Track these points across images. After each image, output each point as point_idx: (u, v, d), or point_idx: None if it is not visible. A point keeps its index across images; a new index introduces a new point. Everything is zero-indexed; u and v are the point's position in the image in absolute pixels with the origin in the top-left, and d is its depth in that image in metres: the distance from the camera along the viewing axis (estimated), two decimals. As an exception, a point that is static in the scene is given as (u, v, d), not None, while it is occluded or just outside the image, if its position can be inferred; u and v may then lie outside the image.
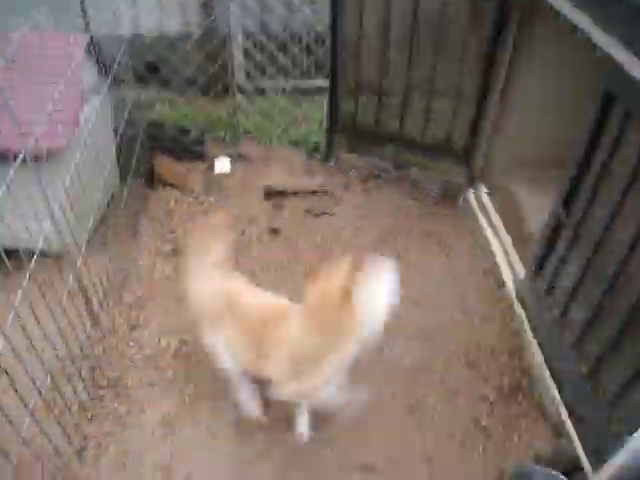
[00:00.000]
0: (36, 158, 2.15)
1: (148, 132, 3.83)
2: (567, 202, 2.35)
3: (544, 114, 3.11)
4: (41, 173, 2.20)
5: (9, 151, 1.88)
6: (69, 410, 2.31)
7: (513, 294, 2.91)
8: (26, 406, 1.94)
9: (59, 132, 2.67)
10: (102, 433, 2.45)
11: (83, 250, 2.66)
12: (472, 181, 3.58)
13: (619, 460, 1.88)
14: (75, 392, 2.42)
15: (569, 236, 2.33)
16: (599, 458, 2.00)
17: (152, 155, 3.86)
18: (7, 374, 1.89)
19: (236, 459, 2.39)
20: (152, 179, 3.88)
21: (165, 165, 3.98)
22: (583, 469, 2.14)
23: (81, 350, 2.53)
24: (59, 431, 2.29)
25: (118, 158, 3.49)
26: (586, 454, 2.12)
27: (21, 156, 1.98)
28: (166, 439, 2.44)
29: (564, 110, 2.83)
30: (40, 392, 2.01)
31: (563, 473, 2.21)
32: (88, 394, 2.55)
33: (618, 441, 1.88)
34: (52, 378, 2.34)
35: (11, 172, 1.89)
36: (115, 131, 3.30)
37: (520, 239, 3.09)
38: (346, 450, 2.42)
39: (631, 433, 1.82)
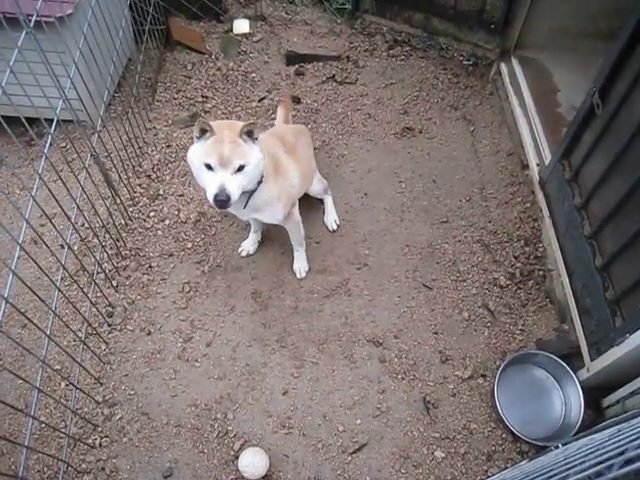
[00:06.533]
0: (47, 22, 2.08)
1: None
2: (604, 89, 2.19)
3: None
4: (53, 38, 2.15)
5: (20, 15, 1.82)
6: (94, 281, 2.43)
7: (536, 178, 2.82)
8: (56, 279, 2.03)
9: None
10: (127, 301, 2.60)
11: (102, 113, 2.63)
12: (505, 55, 3.31)
13: (615, 355, 1.96)
14: (99, 264, 2.53)
15: (601, 126, 2.20)
16: (598, 350, 2.08)
17: (167, 17, 3.62)
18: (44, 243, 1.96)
19: (252, 325, 2.54)
20: (168, 43, 3.68)
21: (181, 27, 3.75)
22: (582, 355, 2.24)
23: (102, 222, 2.59)
24: (86, 303, 2.44)
25: (134, 21, 3.27)
26: (587, 344, 2.19)
27: (34, 19, 1.92)
28: (187, 308, 2.58)
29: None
30: (64, 267, 2.10)
31: (563, 357, 2.32)
32: (112, 264, 2.66)
33: (618, 337, 1.95)
34: (77, 249, 2.43)
35: (23, 34, 1.84)
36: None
37: (551, 122, 2.92)
38: (358, 325, 2.55)
39: (631, 332, 1.88)
